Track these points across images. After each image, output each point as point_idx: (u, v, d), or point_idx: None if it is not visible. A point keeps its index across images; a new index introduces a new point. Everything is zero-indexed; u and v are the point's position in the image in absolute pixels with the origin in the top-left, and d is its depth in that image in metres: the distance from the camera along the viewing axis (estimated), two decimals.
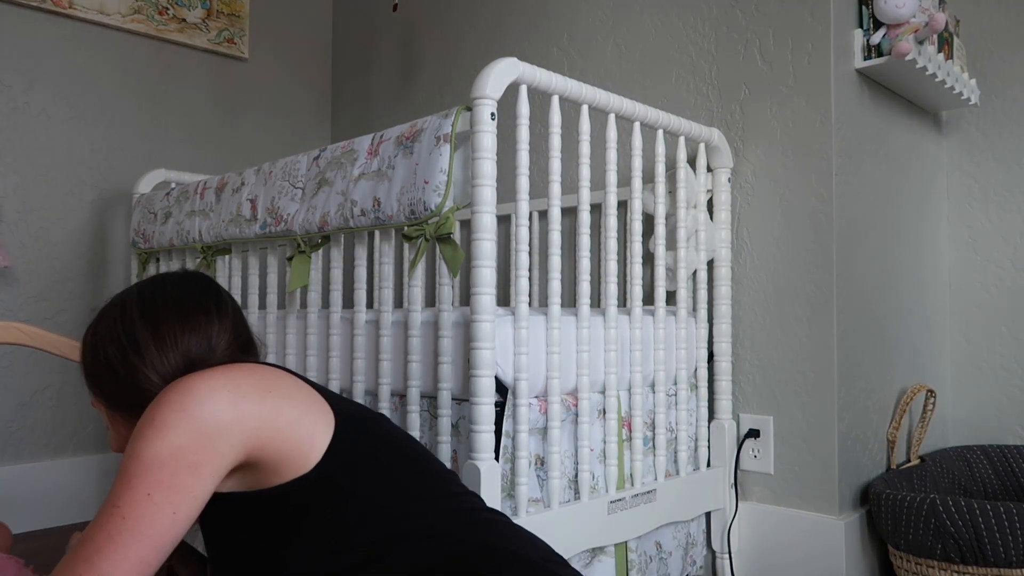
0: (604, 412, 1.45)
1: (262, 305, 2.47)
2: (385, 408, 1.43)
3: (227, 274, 1.87)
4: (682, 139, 1.64)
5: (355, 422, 0.90)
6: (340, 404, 0.92)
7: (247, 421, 0.81)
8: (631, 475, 1.48)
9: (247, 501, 0.85)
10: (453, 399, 1.34)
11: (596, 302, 2.03)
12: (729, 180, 1.74)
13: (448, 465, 1.31)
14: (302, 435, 0.84)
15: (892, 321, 1.82)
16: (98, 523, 0.77)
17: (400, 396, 1.48)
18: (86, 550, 0.75)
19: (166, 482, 0.77)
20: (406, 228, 1.32)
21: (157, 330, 0.91)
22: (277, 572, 0.84)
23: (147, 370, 0.89)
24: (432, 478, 0.91)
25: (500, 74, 1.23)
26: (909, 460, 1.83)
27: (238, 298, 1.87)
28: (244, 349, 0.97)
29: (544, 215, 2.15)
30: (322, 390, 0.93)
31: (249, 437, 0.81)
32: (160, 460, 0.77)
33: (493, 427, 1.21)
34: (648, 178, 1.87)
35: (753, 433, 1.71)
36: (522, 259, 1.29)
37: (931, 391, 1.84)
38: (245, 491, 0.85)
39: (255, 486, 0.85)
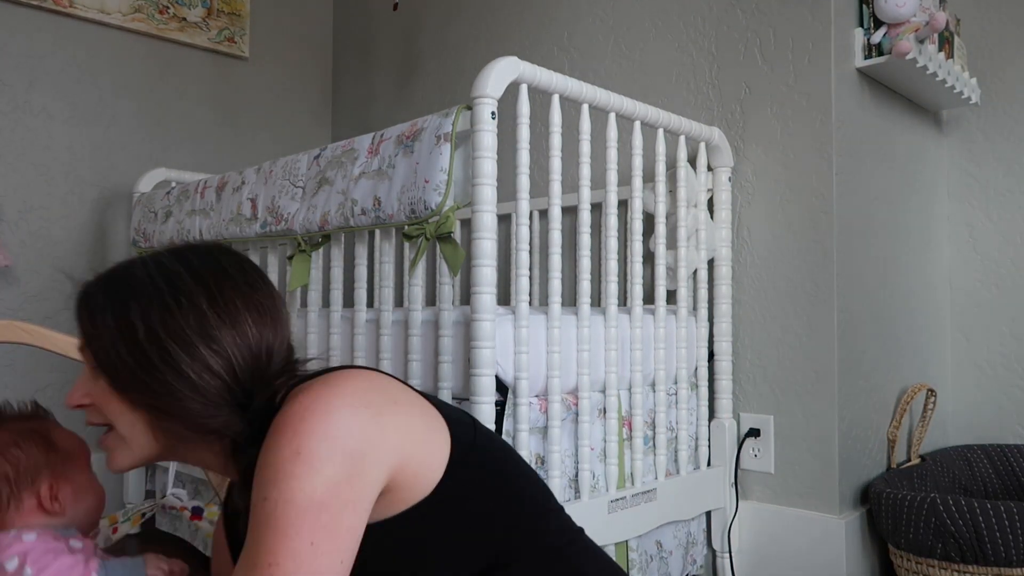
0: (604, 411, 1.45)
1: None
2: None
3: None
4: (682, 138, 1.64)
5: (465, 430, 0.79)
6: (445, 409, 0.80)
7: (391, 438, 0.71)
8: (631, 474, 1.48)
9: (370, 535, 0.72)
10: (454, 398, 1.34)
11: (596, 301, 2.03)
12: (729, 179, 1.74)
13: None
14: (429, 449, 0.74)
15: (892, 320, 1.82)
16: None
17: None
18: None
19: (329, 526, 0.65)
20: (406, 227, 1.32)
21: (236, 323, 0.76)
22: None
23: (218, 369, 0.74)
24: (535, 492, 0.82)
25: (500, 73, 1.23)
26: (909, 459, 1.83)
27: None
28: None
29: (544, 214, 2.15)
30: (423, 394, 0.82)
31: (392, 455, 0.70)
32: (319, 501, 0.65)
33: (494, 426, 1.21)
34: (648, 177, 1.87)
35: (753, 432, 1.71)
36: (522, 258, 1.29)
37: (931, 390, 1.84)
38: (370, 523, 0.72)
39: (379, 516, 0.73)
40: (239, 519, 0.76)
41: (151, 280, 0.77)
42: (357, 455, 0.67)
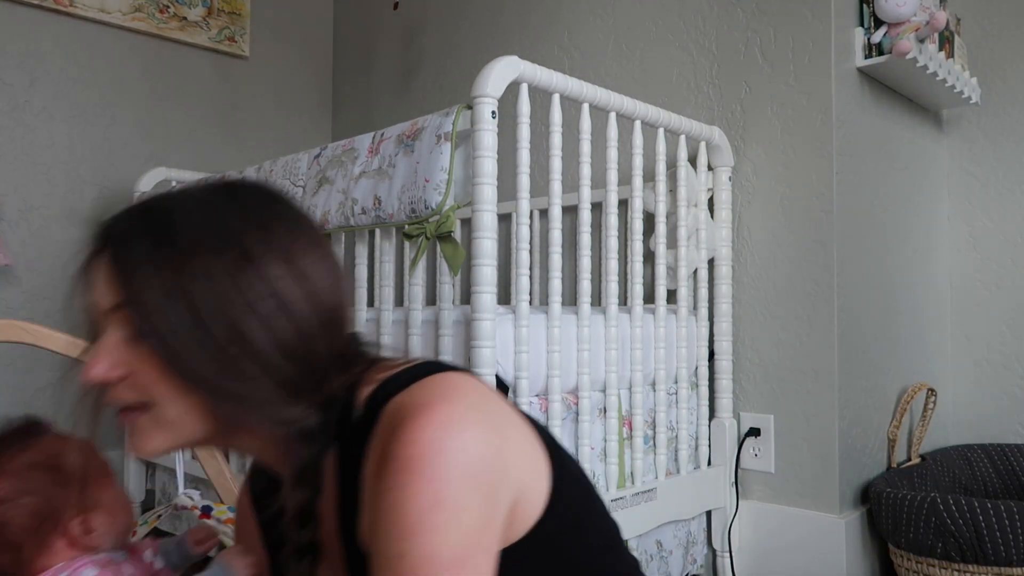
0: (605, 411, 1.45)
1: None
2: None
3: None
4: (683, 137, 1.64)
5: (552, 440, 0.69)
6: (528, 417, 0.71)
7: (512, 468, 0.61)
8: (631, 474, 1.49)
9: None
10: None
11: (597, 300, 2.03)
12: (730, 178, 1.74)
13: None
14: (537, 477, 0.64)
15: (893, 320, 1.82)
16: None
17: None
18: None
19: None
20: (407, 227, 1.32)
21: (312, 290, 0.64)
22: None
23: (296, 346, 0.62)
24: (607, 524, 0.75)
25: (501, 73, 1.23)
26: (910, 459, 1.83)
27: None
28: None
29: (545, 213, 2.15)
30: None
31: (513, 489, 0.61)
32: (460, 555, 0.56)
33: None
34: (649, 176, 1.87)
35: (754, 432, 1.71)
36: (523, 257, 1.29)
37: (932, 390, 1.84)
38: None
39: None
40: (280, 519, 0.67)
41: (211, 230, 0.62)
42: (492, 494, 0.58)
